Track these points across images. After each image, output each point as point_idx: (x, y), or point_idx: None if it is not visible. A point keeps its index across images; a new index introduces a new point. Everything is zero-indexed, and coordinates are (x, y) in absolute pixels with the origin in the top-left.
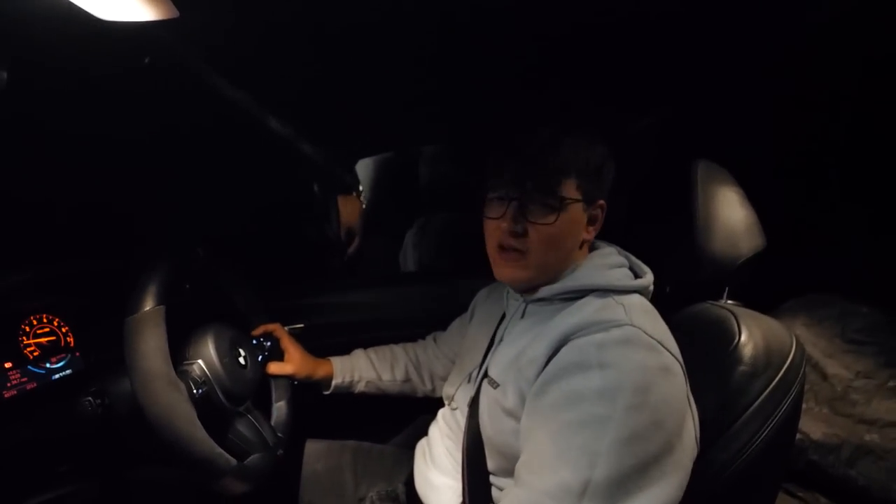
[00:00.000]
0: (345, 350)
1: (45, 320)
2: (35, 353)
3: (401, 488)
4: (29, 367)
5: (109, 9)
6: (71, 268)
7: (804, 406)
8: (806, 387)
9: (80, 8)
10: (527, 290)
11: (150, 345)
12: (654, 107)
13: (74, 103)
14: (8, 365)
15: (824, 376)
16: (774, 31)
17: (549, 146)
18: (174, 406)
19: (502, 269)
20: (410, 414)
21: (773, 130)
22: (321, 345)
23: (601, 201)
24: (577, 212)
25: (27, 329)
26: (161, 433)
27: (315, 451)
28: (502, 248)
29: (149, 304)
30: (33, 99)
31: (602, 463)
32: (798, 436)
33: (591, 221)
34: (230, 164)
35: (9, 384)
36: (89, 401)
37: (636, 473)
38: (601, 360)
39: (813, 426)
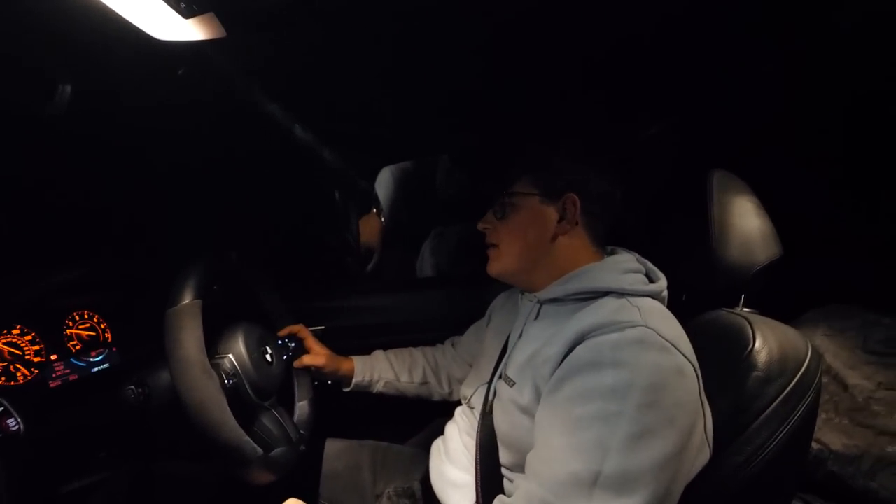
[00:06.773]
0: (364, 352)
1: (86, 316)
2: (77, 347)
3: (416, 485)
4: (72, 359)
5: (165, 29)
6: (111, 268)
7: (824, 416)
8: (826, 397)
9: (136, 28)
10: (524, 285)
11: (188, 335)
12: (663, 114)
13: (128, 120)
14: (54, 357)
15: (845, 387)
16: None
17: (508, 151)
18: (208, 393)
19: (488, 264)
20: (427, 416)
21: (795, 131)
22: (341, 347)
23: (570, 194)
24: (534, 204)
25: (70, 324)
26: (195, 418)
27: (335, 449)
28: (488, 245)
29: (187, 298)
30: (92, 116)
31: (612, 457)
32: (817, 446)
33: (564, 215)
34: (260, 173)
35: (54, 374)
36: (132, 389)
37: (645, 469)
38: (615, 359)
39: (833, 437)
